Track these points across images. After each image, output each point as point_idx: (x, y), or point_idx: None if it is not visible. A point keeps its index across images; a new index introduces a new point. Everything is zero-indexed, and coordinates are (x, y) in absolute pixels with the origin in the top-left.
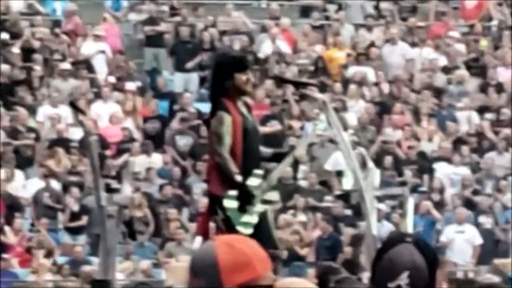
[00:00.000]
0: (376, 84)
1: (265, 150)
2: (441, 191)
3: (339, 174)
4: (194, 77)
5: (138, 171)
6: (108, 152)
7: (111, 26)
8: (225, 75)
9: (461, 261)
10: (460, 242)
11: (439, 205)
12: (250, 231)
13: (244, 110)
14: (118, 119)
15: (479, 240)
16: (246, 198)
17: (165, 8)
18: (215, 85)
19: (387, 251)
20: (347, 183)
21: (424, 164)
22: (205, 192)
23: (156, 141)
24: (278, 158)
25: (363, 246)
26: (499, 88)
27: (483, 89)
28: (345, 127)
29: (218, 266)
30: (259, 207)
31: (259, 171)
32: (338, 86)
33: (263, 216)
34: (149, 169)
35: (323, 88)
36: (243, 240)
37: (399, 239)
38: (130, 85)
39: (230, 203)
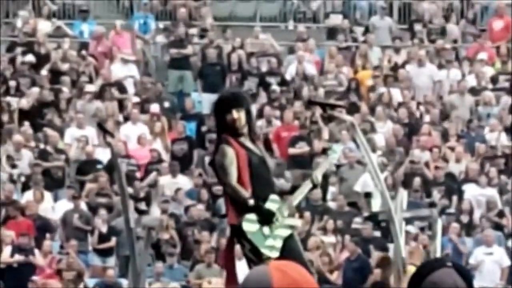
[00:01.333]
0: (404, 105)
1: (285, 184)
2: (470, 212)
3: (368, 195)
4: None
5: (166, 193)
6: (137, 174)
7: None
8: (217, 113)
9: (491, 283)
10: (489, 263)
11: (468, 227)
12: (275, 254)
13: (248, 143)
14: (146, 140)
15: (507, 262)
16: (265, 218)
17: (194, 30)
18: (216, 122)
19: (428, 275)
20: (376, 205)
21: (453, 185)
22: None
23: (184, 162)
24: (295, 189)
25: (393, 268)
26: None
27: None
28: (374, 149)
29: None
30: (281, 232)
31: (275, 197)
32: (365, 108)
33: (290, 240)
34: (177, 190)
35: (353, 109)
36: (294, 267)
37: (440, 263)
38: (155, 107)
39: (249, 226)
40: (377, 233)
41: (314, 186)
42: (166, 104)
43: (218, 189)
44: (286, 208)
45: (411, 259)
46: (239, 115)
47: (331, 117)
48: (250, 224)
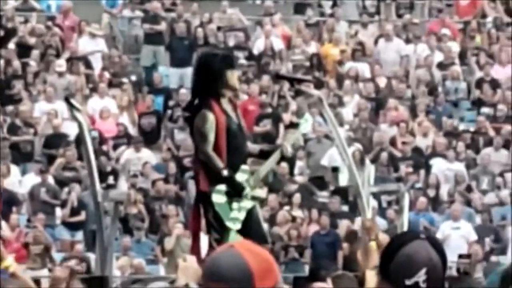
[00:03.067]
0: (372, 79)
1: (253, 147)
2: (437, 187)
3: (335, 170)
4: (189, 72)
5: (133, 167)
6: (104, 148)
7: None
8: (214, 75)
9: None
10: (456, 238)
11: (435, 202)
12: (238, 226)
13: (228, 108)
14: (113, 114)
15: (474, 236)
16: (235, 191)
17: (160, 4)
18: (201, 83)
19: (402, 247)
20: (343, 179)
21: (420, 160)
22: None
23: (151, 136)
24: (264, 155)
25: (359, 242)
26: (494, 84)
27: (479, 85)
28: (341, 123)
29: (252, 273)
30: (247, 204)
31: (246, 167)
32: (333, 82)
33: (252, 212)
34: (144, 164)
35: (319, 84)
36: (258, 247)
37: (413, 235)
38: (125, 81)
39: (218, 198)
40: (345, 208)
41: (283, 158)
42: (134, 78)
43: (187, 161)
44: (253, 180)
45: (368, 234)
46: (236, 77)
47: (298, 91)
48: (219, 196)
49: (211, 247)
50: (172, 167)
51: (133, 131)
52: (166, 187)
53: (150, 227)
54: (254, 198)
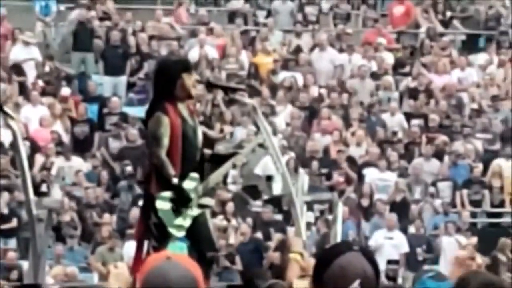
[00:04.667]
0: (305, 89)
1: (206, 151)
2: (370, 196)
3: (269, 179)
4: (123, 81)
5: (66, 175)
6: (37, 156)
7: None
8: (171, 77)
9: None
10: (388, 248)
11: (368, 211)
12: (182, 234)
13: (185, 113)
14: (47, 122)
15: (405, 248)
16: (182, 201)
17: (94, 13)
18: (158, 87)
19: (335, 259)
20: (277, 188)
21: (353, 169)
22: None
23: (85, 144)
24: (216, 159)
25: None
26: (428, 94)
27: (412, 95)
28: (275, 132)
29: (197, 282)
30: (194, 211)
31: (195, 175)
32: (266, 92)
33: (199, 219)
34: (77, 172)
35: (254, 93)
36: (187, 257)
37: (346, 247)
38: (64, 90)
39: (163, 205)
40: (278, 217)
41: (234, 166)
42: (67, 86)
43: (118, 171)
44: (202, 188)
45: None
46: (193, 80)
47: (232, 100)
48: (163, 202)
49: (147, 254)
50: (104, 175)
51: (66, 139)
52: (98, 195)
53: (83, 235)
54: (201, 206)
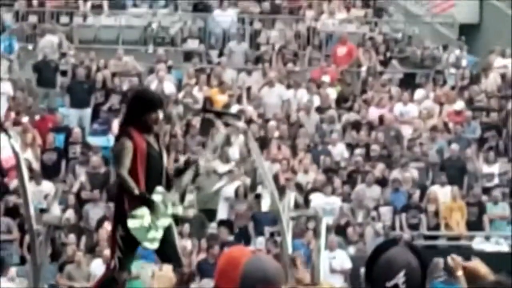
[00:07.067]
0: (255, 121)
1: (172, 168)
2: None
3: (258, 196)
4: (88, 113)
5: (34, 199)
6: (6, 180)
7: None
8: (144, 108)
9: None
10: (333, 267)
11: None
12: (156, 245)
13: (151, 138)
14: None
15: (348, 264)
16: (149, 208)
17: (57, 55)
18: (129, 112)
19: (383, 253)
20: (265, 205)
21: (301, 195)
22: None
23: (52, 171)
24: (180, 173)
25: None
26: (369, 126)
27: (355, 127)
28: (228, 160)
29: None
30: (164, 222)
31: (160, 189)
32: (219, 123)
33: (168, 231)
34: (46, 196)
35: (210, 125)
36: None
37: (393, 242)
38: (25, 119)
39: (134, 223)
40: (231, 237)
41: (197, 175)
42: (37, 117)
43: (85, 194)
44: (169, 198)
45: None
46: (160, 116)
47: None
48: (133, 220)
49: (109, 263)
50: (72, 199)
51: (36, 165)
52: (66, 217)
53: (52, 255)
54: (172, 215)
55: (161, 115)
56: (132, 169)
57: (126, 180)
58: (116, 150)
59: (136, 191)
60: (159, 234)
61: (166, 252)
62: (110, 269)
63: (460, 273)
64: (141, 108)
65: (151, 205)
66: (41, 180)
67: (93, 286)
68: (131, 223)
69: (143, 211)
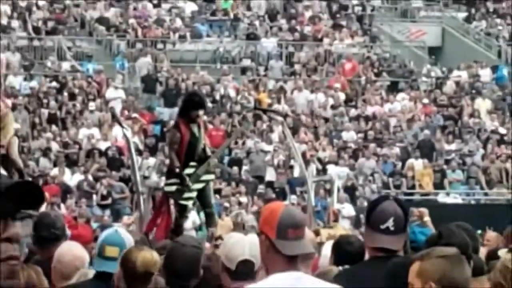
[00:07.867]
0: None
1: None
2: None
3: (290, 167)
4: (176, 111)
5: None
6: (122, 157)
7: None
8: (190, 107)
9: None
10: (342, 214)
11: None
12: (191, 202)
13: (195, 128)
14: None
15: (353, 213)
16: (182, 182)
17: (152, 71)
18: (180, 110)
19: (378, 205)
20: (296, 172)
21: (320, 166)
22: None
23: (152, 150)
24: (202, 160)
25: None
26: (367, 118)
27: (357, 119)
28: (271, 141)
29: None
30: (197, 185)
31: (193, 163)
32: (265, 118)
33: (204, 190)
34: (148, 168)
35: (257, 118)
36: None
37: (385, 197)
38: (135, 115)
39: (169, 188)
40: (273, 195)
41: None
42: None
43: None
44: (203, 167)
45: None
46: (200, 114)
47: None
48: (169, 187)
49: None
50: (165, 169)
51: (141, 147)
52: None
53: (152, 208)
54: (203, 181)
55: (201, 112)
56: (178, 151)
57: (172, 158)
58: (169, 137)
59: (177, 170)
60: (193, 194)
61: (202, 201)
62: (165, 218)
63: (426, 218)
64: (188, 106)
65: (183, 179)
66: (145, 157)
67: (146, 228)
68: (167, 189)
69: (176, 181)
